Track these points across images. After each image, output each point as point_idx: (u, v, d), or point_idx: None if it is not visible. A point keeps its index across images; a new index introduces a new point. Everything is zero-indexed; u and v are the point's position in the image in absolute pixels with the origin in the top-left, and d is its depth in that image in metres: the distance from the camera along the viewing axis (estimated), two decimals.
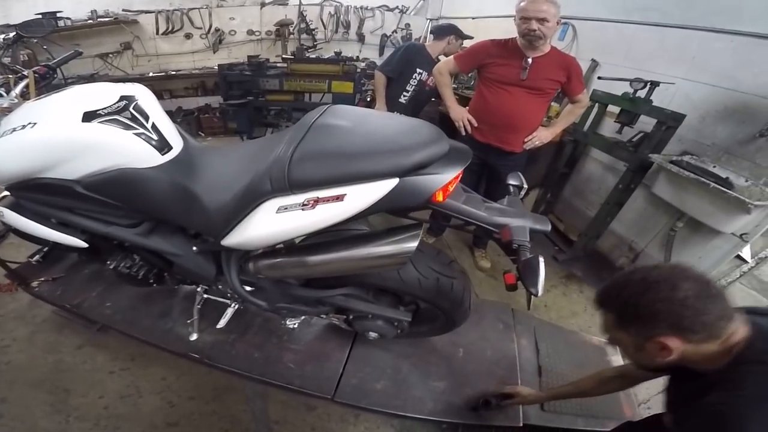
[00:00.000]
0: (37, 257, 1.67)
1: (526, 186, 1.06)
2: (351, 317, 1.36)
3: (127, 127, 0.94)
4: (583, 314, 2.16)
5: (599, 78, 2.38)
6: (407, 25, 4.80)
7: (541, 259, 0.80)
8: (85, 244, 1.18)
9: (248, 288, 1.25)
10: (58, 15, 3.60)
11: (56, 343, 1.79)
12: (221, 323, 1.40)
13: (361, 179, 0.80)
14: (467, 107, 2.06)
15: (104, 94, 0.97)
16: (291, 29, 4.41)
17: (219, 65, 3.87)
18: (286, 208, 0.85)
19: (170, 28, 4.05)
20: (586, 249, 2.48)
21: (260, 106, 4.06)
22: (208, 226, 1.02)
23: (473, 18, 4.19)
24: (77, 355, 1.74)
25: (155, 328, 1.59)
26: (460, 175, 0.85)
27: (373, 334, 1.38)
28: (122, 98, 0.98)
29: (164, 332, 1.57)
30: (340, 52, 4.01)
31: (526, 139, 1.94)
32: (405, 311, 1.33)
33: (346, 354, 1.54)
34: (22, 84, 1.37)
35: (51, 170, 0.95)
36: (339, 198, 0.81)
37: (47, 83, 1.51)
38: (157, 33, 4.05)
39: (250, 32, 4.39)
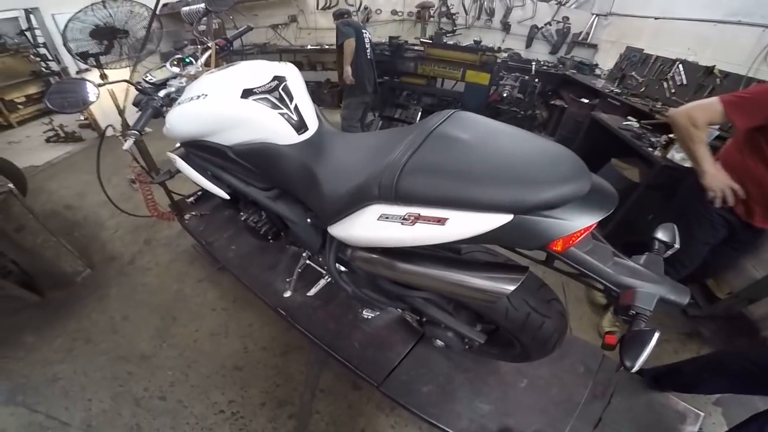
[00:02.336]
0: (191, 198, 2.32)
1: (678, 246, 0.94)
2: (424, 320, 1.46)
3: (275, 106, 1.17)
4: None
5: None
6: (565, 18, 4.62)
7: (656, 335, 0.75)
8: (227, 196, 1.55)
9: (342, 269, 1.43)
10: None
11: (184, 274, 2.45)
12: (312, 291, 1.74)
13: (470, 207, 0.78)
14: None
15: (261, 74, 1.22)
16: (432, 12, 4.70)
17: None
18: (387, 217, 0.90)
19: (327, 4, 4.73)
20: (731, 311, 2.24)
21: (394, 87, 4.47)
22: (320, 210, 1.18)
23: (655, 18, 3.90)
24: (195, 288, 2.35)
25: (260, 278, 2.04)
26: (594, 227, 0.78)
27: (439, 343, 1.47)
28: (275, 78, 1.22)
29: (265, 284, 2.00)
30: (480, 41, 4.13)
31: None
32: (480, 331, 1.36)
33: (407, 349, 1.72)
34: (206, 54, 1.68)
35: (213, 135, 1.28)
36: (440, 221, 0.81)
37: (226, 54, 1.95)
38: (317, 7, 4.78)
39: (394, 12, 4.86)
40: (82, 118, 4.58)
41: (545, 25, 4.73)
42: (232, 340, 2.07)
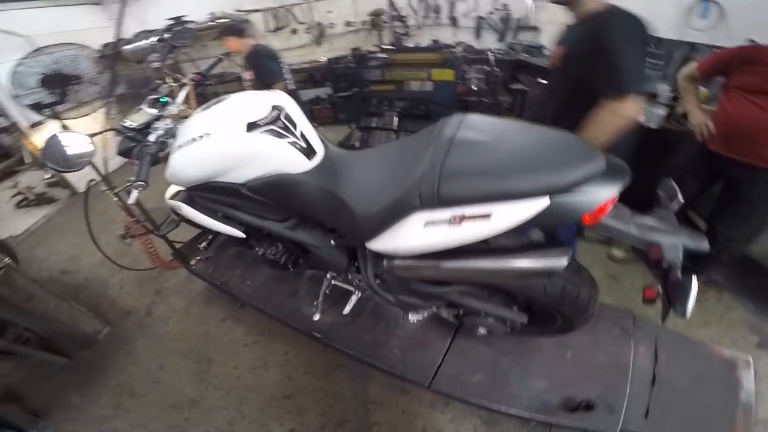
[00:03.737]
0: (203, 244, 2.23)
1: (681, 199, 0.98)
2: (461, 312, 1.50)
3: (281, 135, 1.15)
4: (716, 324, 2.12)
5: None
6: (504, 5, 4.75)
7: (695, 281, 0.83)
8: (243, 235, 1.51)
9: (377, 281, 1.42)
10: (183, 19, 4.42)
11: (205, 316, 2.38)
12: (347, 309, 1.74)
13: (510, 197, 0.84)
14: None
15: (259, 105, 1.19)
16: (383, 17, 4.76)
17: (328, 59, 4.45)
18: (433, 223, 0.94)
19: (278, 25, 4.71)
20: (733, 253, 2.31)
21: (365, 96, 4.49)
22: (354, 230, 1.17)
23: None
24: (220, 328, 2.30)
25: (284, 306, 2.01)
26: (616, 197, 0.86)
27: (482, 330, 1.51)
28: (274, 108, 1.19)
29: (292, 311, 1.98)
30: (437, 40, 4.26)
31: None
32: (520, 312, 1.40)
33: (447, 344, 1.73)
34: (184, 91, 1.59)
35: (223, 175, 1.23)
36: (485, 216, 0.87)
37: (201, 89, 1.88)
38: (266, 30, 4.73)
39: (347, 23, 4.88)
40: (47, 176, 4.25)
41: (489, 14, 4.84)
42: (273, 370, 2.05)
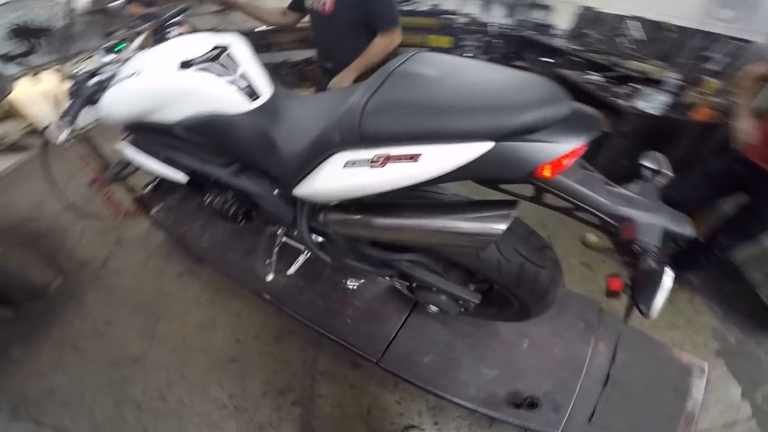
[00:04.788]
0: (149, 188, 2.04)
1: (669, 172, 0.82)
2: (414, 285, 1.36)
3: (219, 74, 1.07)
4: (683, 327, 2.03)
5: None
6: None
7: (669, 275, 0.68)
8: (185, 179, 1.39)
9: (319, 239, 1.32)
10: None
11: (162, 269, 2.25)
12: (291, 270, 1.60)
13: (444, 139, 0.69)
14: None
15: (200, 44, 1.12)
16: None
17: None
18: (354, 163, 0.81)
19: None
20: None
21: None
22: (282, 174, 1.09)
23: None
24: (175, 282, 2.17)
25: (239, 264, 1.89)
26: (583, 150, 0.68)
27: (433, 308, 1.39)
28: (216, 48, 1.11)
29: (246, 269, 1.86)
30: (438, 5, 3.99)
31: None
32: (474, 291, 1.27)
33: (402, 320, 1.62)
34: (140, 38, 1.49)
35: (153, 114, 1.14)
36: (413, 158, 0.72)
37: (160, 37, 1.77)
38: None
39: None
40: (24, 125, 4.09)
41: None
42: (222, 332, 1.93)
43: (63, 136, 1.22)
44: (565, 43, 4.12)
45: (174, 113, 1.13)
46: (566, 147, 0.66)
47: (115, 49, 1.34)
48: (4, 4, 2.49)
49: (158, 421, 1.63)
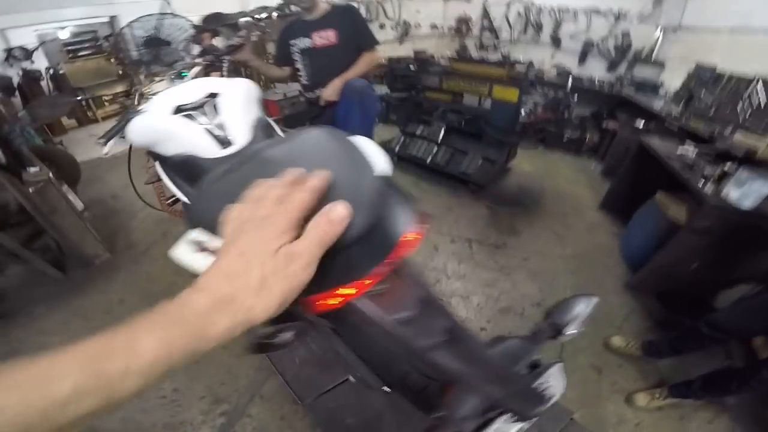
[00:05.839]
0: (169, 201, 2.29)
1: (578, 330, 0.76)
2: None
3: (199, 121, 1.20)
4: None
5: None
6: (625, 35, 4.03)
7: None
8: (187, 201, 1.54)
9: None
10: None
11: (181, 267, 2.47)
12: None
13: None
14: None
15: (197, 90, 1.27)
16: (470, 25, 4.42)
17: (389, 58, 4.25)
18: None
19: (368, 18, 4.71)
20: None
21: (419, 102, 4.15)
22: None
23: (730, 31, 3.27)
24: (189, 282, 2.19)
25: None
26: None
27: (351, 378, 1.29)
28: (210, 95, 1.23)
29: None
30: (509, 55, 3.86)
31: None
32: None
33: (344, 379, 1.56)
34: (195, 69, 1.74)
35: (155, 146, 1.30)
36: None
37: (217, 67, 2.01)
38: None
39: (433, 26, 4.68)
40: None
41: (601, 39, 4.18)
42: None
43: (105, 149, 1.39)
44: (667, 106, 3.61)
45: (167, 148, 1.27)
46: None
47: (182, 75, 1.58)
48: (147, 15, 3.01)
49: None
